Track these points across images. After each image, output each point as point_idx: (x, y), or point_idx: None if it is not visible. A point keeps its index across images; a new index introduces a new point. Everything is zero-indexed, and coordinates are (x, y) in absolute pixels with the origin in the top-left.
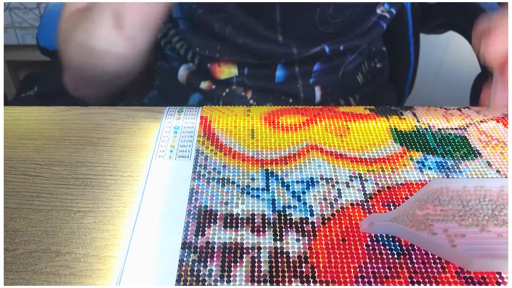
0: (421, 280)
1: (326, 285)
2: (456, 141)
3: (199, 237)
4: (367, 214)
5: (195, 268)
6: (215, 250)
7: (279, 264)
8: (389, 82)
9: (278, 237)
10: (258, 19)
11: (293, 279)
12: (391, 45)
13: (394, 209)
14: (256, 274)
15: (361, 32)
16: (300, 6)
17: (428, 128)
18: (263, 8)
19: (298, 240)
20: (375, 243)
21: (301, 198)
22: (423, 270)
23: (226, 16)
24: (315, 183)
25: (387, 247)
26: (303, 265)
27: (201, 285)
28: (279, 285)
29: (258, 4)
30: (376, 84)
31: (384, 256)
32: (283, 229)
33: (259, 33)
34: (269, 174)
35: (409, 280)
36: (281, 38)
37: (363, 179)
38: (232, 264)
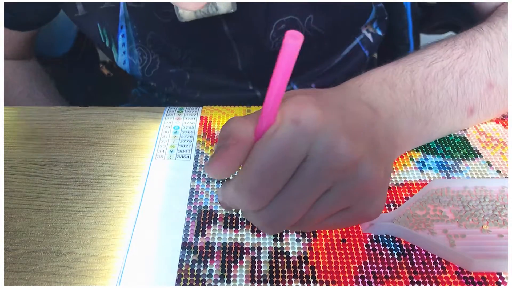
0: (421, 281)
1: (326, 285)
2: (456, 141)
3: (199, 237)
4: None
5: (195, 268)
6: (215, 250)
7: (279, 265)
8: None
9: (278, 237)
10: (216, 70)
11: (293, 279)
12: (391, 46)
13: (394, 209)
14: (256, 274)
15: (337, 64)
16: (259, 51)
17: None
18: (225, 58)
19: (298, 240)
20: (375, 243)
21: None
22: (423, 271)
23: (181, 71)
24: None
25: (387, 247)
26: (303, 265)
27: (201, 285)
28: (279, 285)
29: (216, 56)
30: None
31: (384, 257)
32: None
33: (215, 84)
34: None
35: (409, 281)
36: (241, 83)
37: None
38: (232, 264)
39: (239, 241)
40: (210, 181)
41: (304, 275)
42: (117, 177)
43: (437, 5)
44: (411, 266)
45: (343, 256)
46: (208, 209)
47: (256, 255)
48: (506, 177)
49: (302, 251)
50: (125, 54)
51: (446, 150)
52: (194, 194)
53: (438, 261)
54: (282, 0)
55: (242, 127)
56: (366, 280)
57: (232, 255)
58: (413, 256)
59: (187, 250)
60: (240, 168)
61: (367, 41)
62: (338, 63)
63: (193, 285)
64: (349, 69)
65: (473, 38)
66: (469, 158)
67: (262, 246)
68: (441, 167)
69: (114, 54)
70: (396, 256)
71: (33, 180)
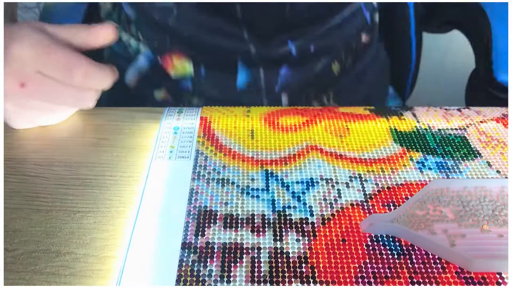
0: (421, 280)
1: (326, 285)
2: (456, 141)
3: (199, 237)
4: (367, 215)
5: (195, 268)
6: (215, 250)
7: (279, 265)
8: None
9: (278, 238)
10: (208, 7)
11: (293, 279)
12: (392, 44)
13: (394, 209)
14: (256, 274)
15: (337, 24)
16: None
17: (428, 128)
18: None
19: (298, 240)
20: (375, 243)
21: (301, 198)
22: (423, 270)
23: (168, 5)
24: (315, 184)
25: (387, 247)
26: (303, 265)
27: (201, 285)
28: (279, 286)
29: None
30: (358, 70)
31: (384, 256)
32: (283, 230)
33: (207, 24)
34: (269, 175)
35: (409, 280)
36: (236, 30)
37: (363, 179)
38: (232, 264)
39: (239, 241)
40: (210, 181)
41: (304, 275)
42: (117, 177)
43: (440, 3)
44: (411, 266)
45: (343, 256)
46: (208, 209)
47: (256, 255)
48: (506, 177)
49: (302, 251)
50: None
51: (446, 150)
52: (194, 194)
53: (438, 261)
54: None
55: None
56: (366, 280)
57: (232, 255)
58: (413, 256)
59: (187, 250)
60: None
61: (370, 5)
62: (338, 24)
63: (193, 285)
64: (348, 33)
65: None
66: (469, 158)
67: (262, 246)
68: (441, 167)
69: None
70: (396, 256)
71: (33, 180)
